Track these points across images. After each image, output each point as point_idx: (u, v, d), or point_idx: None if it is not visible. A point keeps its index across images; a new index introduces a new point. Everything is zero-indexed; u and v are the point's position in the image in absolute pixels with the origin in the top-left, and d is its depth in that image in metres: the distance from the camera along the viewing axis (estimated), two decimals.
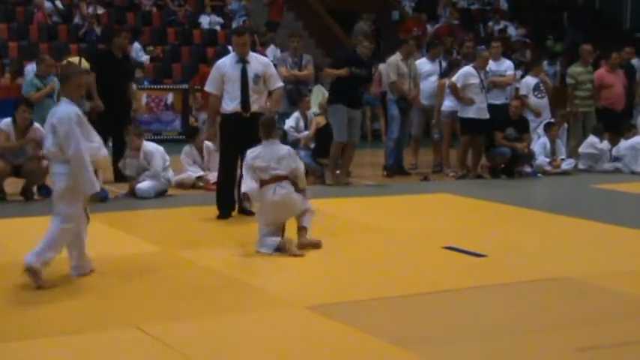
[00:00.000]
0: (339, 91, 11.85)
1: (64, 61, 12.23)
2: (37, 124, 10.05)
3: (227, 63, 9.29)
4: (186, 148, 11.75)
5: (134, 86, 12.46)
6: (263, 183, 7.66)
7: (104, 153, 6.87)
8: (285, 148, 7.90)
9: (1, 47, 18.50)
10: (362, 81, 12.04)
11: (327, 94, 13.22)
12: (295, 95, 13.25)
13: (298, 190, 7.76)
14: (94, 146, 6.55)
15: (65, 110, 6.40)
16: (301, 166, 7.91)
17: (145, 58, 19.08)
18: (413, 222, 9.35)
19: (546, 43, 22.89)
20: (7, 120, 10.12)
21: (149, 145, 10.63)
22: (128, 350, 5.07)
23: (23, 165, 10.00)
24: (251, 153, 7.81)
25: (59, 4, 20.14)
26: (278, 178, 7.65)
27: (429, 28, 22.32)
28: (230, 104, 9.14)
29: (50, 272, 6.44)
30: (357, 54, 12.08)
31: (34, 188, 10.20)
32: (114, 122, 11.33)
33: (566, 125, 14.88)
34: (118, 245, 7.90)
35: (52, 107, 11.41)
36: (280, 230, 7.65)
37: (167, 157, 10.68)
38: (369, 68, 12.35)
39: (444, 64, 14.03)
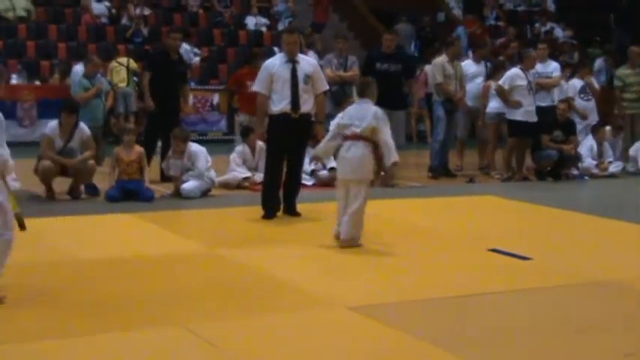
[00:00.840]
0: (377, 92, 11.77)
1: (113, 62, 12.40)
2: (82, 125, 10.16)
3: (276, 63, 9.25)
4: (239, 147, 11.73)
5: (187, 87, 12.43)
6: (343, 140, 7.88)
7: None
8: (374, 109, 7.90)
9: (50, 48, 18.73)
10: (396, 76, 11.81)
11: None
12: (341, 96, 13.25)
13: (378, 156, 7.81)
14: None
15: None
16: (384, 128, 7.80)
17: (195, 60, 19.19)
18: (457, 224, 9.30)
19: (589, 49, 22.60)
20: (54, 123, 10.22)
21: (193, 146, 10.69)
22: (172, 348, 5.08)
23: (71, 164, 10.07)
24: (342, 113, 8.09)
25: (107, 6, 20.34)
26: (355, 137, 7.78)
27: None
28: (279, 104, 9.08)
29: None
30: (380, 50, 12.05)
31: (82, 187, 10.29)
32: (164, 122, 11.33)
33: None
34: (164, 244, 7.94)
35: (100, 107, 11.72)
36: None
37: (209, 158, 10.73)
38: (401, 62, 12.03)
39: (489, 65, 13.97)
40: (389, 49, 11.89)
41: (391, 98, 11.62)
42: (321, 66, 11.14)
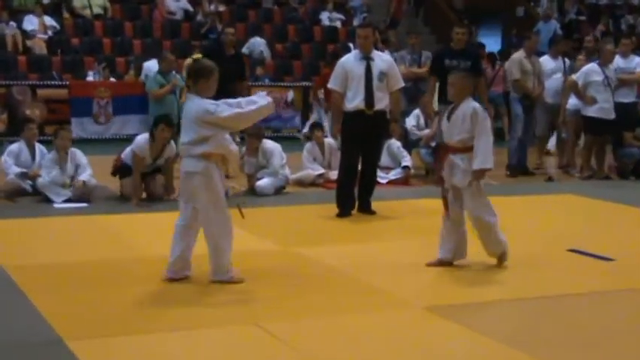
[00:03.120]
0: (443, 90, 11.53)
1: (189, 59, 12.37)
2: (172, 142, 9.85)
3: (351, 59, 9.21)
4: (308, 145, 11.75)
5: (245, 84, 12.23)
6: None
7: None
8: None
9: (126, 45, 18.94)
10: None
11: None
12: (414, 93, 13.12)
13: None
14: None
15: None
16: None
17: (267, 53, 19.15)
18: (536, 223, 9.12)
19: None
20: (144, 140, 9.79)
21: (268, 143, 10.66)
22: (246, 347, 5.08)
23: (151, 189, 9.95)
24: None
25: (183, 3, 20.49)
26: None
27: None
28: (353, 102, 9.03)
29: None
30: (449, 46, 11.78)
31: None
32: None
33: None
34: (237, 242, 7.65)
35: (175, 104, 11.70)
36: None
37: (284, 155, 10.70)
38: (472, 58, 11.58)
39: (567, 61, 13.65)
40: (459, 44, 11.54)
41: None
42: (395, 60, 10.96)
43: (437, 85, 11.51)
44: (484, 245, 6.95)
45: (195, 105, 6.25)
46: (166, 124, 9.81)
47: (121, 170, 9.96)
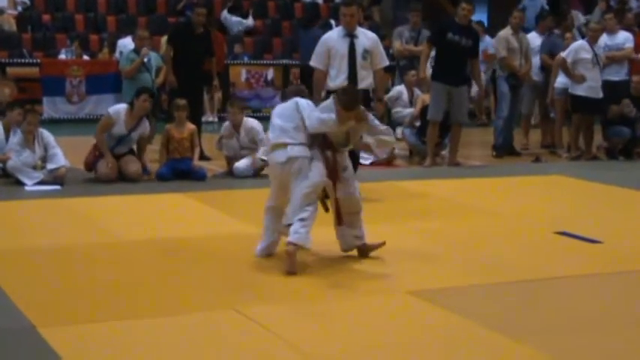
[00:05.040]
0: (439, 67, 11.32)
1: (138, 35, 12.09)
2: (146, 122, 9.87)
3: (334, 37, 8.97)
4: None
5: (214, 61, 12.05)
6: None
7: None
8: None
9: (99, 21, 18.59)
10: (465, 51, 11.17)
11: None
12: (408, 71, 12.92)
13: None
14: None
15: None
16: None
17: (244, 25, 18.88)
18: (522, 205, 8.99)
19: None
20: (121, 107, 9.84)
21: (250, 121, 10.41)
22: (224, 331, 5.01)
23: (125, 170, 9.74)
24: None
25: None
26: None
27: None
28: (336, 80, 8.79)
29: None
30: (455, 21, 11.50)
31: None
32: (188, 99, 10.52)
33: None
34: (214, 224, 7.85)
35: (149, 83, 11.44)
36: None
37: (264, 135, 10.47)
38: (473, 37, 11.37)
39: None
40: (464, 19, 11.26)
41: (457, 73, 11.22)
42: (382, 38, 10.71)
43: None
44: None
45: None
46: (150, 95, 9.81)
47: (95, 163, 9.81)
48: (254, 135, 10.26)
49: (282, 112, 6.51)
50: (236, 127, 10.29)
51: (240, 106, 10.57)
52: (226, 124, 10.57)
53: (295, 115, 6.38)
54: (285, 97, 6.83)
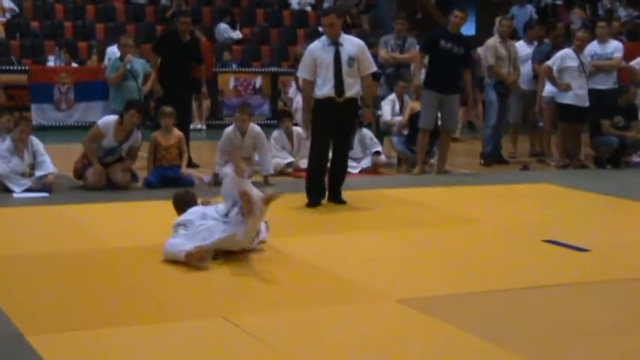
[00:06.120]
0: (432, 75, 11.32)
1: (122, 43, 12.11)
2: (138, 133, 9.86)
3: (319, 46, 8.99)
4: (276, 133, 11.53)
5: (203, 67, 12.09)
6: None
7: None
8: None
9: (88, 29, 18.55)
10: (457, 59, 11.15)
11: None
12: (395, 79, 12.93)
13: None
14: None
15: None
16: None
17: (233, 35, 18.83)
18: (511, 213, 8.98)
19: None
20: (111, 119, 9.80)
21: (256, 128, 10.32)
22: (212, 341, 4.95)
23: (114, 178, 9.76)
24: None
25: None
26: None
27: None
28: (323, 89, 8.84)
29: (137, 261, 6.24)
30: (446, 29, 11.51)
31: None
32: (175, 107, 10.55)
33: None
34: None
35: (135, 90, 11.43)
36: None
37: (267, 143, 10.51)
38: (464, 45, 11.34)
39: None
40: (457, 27, 11.27)
41: (449, 81, 11.19)
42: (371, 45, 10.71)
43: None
44: None
45: None
46: (138, 111, 9.74)
47: (84, 170, 9.78)
48: (257, 142, 10.22)
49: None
50: (242, 133, 10.26)
51: (250, 113, 10.49)
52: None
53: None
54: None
